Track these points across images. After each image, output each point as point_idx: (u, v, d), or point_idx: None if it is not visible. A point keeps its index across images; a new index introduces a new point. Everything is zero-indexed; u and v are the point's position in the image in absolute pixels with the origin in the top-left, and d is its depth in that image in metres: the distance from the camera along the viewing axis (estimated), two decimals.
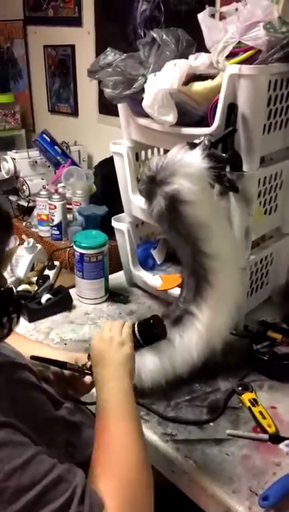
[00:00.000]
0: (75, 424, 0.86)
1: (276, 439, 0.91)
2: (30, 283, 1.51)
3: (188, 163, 0.94)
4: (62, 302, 1.37)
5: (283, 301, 1.40)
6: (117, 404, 0.73)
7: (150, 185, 0.97)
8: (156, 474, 0.94)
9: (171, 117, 1.08)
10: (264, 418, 0.95)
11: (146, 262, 1.51)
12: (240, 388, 1.04)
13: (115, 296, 1.45)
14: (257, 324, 1.27)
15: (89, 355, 0.84)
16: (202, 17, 1.15)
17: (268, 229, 1.32)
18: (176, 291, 1.23)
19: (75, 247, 1.38)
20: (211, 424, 0.96)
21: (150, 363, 1.01)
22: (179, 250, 1.07)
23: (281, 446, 0.90)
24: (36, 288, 1.45)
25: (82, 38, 2.06)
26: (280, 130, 1.16)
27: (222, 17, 1.19)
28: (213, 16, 1.19)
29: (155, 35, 1.15)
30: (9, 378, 0.70)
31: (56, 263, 1.63)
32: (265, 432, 0.93)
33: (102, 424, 0.71)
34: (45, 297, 1.35)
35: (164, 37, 1.14)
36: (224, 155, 0.97)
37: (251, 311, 1.33)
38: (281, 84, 1.08)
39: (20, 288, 1.44)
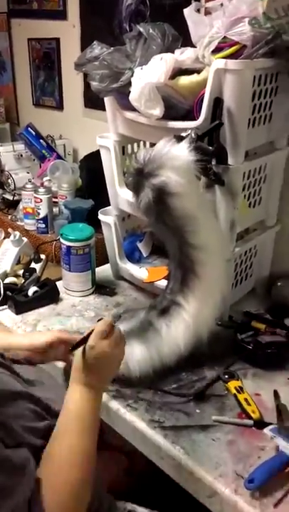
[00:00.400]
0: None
1: (260, 424, 0.94)
2: (16, 276, 1.52)
3: (175, 156, 0.95)
4: (49, 294, 1.38)
5: (266, 292, 1.43)
6: (75, 416, 0.76)
7: (137, 177, 0.98)
8: (145, 462, 0.97)
9: (157, 111, 1.10)
10: (249, 404, 0.98)
11: (132, 255, 1.52)
12: (226, 376, 1.06)
13: (102, 288, 1.46)
14: (241, 315, 1.30)
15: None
16: (188, 12, 1.16)
17: (252, 222, 1.34)
18: (163, 283, 1.25)
19: (61, 240, 1.38)
20: (198, 410, 0.98)
21: (138, 353, 1.02)
22: (166, 242, 1.09)
23: (265, 431, 0.92)
24: (23, 281, 1.46)
25: (67, 32, 2.05)
26: (263, 125, 1.18)
27: (207, 12, 1.21)
28: (198, 10, 1.21)
29: (141, 29, 1.16)
30: None
31: (42, 256, 1.64)
32: (249, 417, 0.95)
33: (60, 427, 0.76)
34: (32, 290, 1.36)
35: (151, 31, 1.15)
36: (210, 148, 0.99)
37: (236, 302, 1.36)
38: (265, 79, 1.10)
39: (6, 281, 1.45)
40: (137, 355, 1.02)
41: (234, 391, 1.01)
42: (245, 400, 0.99)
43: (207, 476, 0.84)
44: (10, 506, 0.64)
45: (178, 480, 0.90)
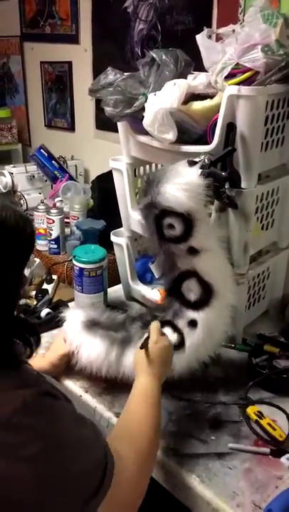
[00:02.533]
0: None
1: (277, 452, 0.92)
2: (28, 297, 1.52)
3: (180, 173, 0.97)
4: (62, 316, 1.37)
5: (280, 314, 1.42)
6: (139, 393, 0.89)
7: (145, 187, 0.99)
8: (160, 490, 0.95)
9: (171, 135, 1.11)
10: (274, 429, 0.96)
11: (144, 276, 1.52)
12: (241, 401, 1.05)
13: (114, 309, 1.45)
14: (255, 338, 1.29)
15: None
16: (200, 38, 1.18)
17: (265, 244, 1.34)
18: None
19: (74, 262, 1.39)
20: (213, 437, 0.97)
21: None
22: (161, 259, 1.09)
23: (283, 459, 0.91)
24: (35, 302, 1.46)
25: (79, 55, 2.09)
26: (276, 148, 1.19)
27: (219, 38, 1.23)
28: (210, 37, 1.23)
29: (154, 55, 1.18)
30: None
31: (54, 277, 1.64)
32: (277, 442, 0.94)
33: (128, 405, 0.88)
34: (44, 311, 1.36)
35: (164, 57, 1.17)
36: (223, 173, 0.99)
37: (249, 324, 1.35)
38: (278, 104, 1.11)
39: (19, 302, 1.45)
40: None
41: (255, 417, 0.99)
42: (269, 424, 0.97)
43: (224, 507, 0.82)
44: (93, 460, 0.70)
45: (194, 510, 0.88)
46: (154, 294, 1.41)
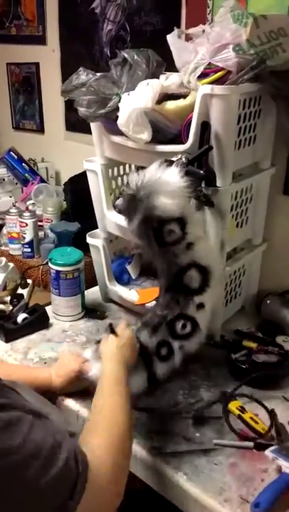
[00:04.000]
0: None
1: (261, 445, 0.94)
2: (3, 302, 1.49)
3: (167, 181, 0.96)
4: (39, 321, 1.36)
5: (256, 310, 1.44)
6: (109, 382, 0.89)
7: (130, 202, 0.99)
8: (145, 488, 0.95)
9: (146, 135, 1.11)
10: (256, 423, 0.97)
11: (121, 277, 1.52)
12: (223, 397, 1.05)
13: (92, 312, 1.45)
14: (233, 334, 1.31)
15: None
16: (171, 38, 1.19)
17: (240, 241, 1.36)
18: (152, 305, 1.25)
19: (50, 265, 1.37)
20: (197, 434, 0.97)
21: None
22: (158, 264, 1.09)
23: (267, 452, 0.92)
24: (11, 308, 1.43)
25: (47, 56, 2.07)
26: (249, 146, 1.21)
27: (188, 38, 1.24)
28: (180, 37, 1.24)
29: (126, 55, 1.18)
30: None
31: (29, 281, 1.62)
32: (260, 435, 0.95)
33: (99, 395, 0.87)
34: (21, 316, 1.34)
35: (135, 57, 1.17)
36: (201, 172, 1.00)
37: (226, 321, 1.37)
38: (250, 102, 1.13)
39: None
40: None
41: (237, 411, 1.00)
42: (251, 418, 0.98)
43: (213, 502, 0.83)
44: (60, 467, 0.65)
45: (182, 507, 0.88)
46: (131, 294, 1.41)
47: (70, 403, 1.07)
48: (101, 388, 0.88)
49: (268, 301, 1.39)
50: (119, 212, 1.10)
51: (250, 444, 0.94)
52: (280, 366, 1.14)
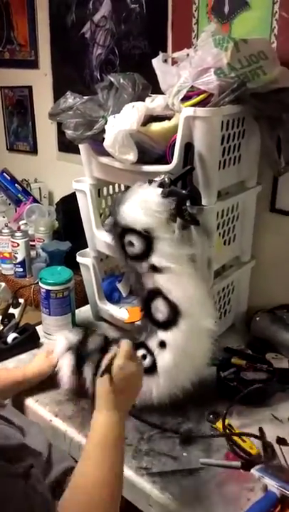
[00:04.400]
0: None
1: (248, 466, 0.93)
2: None
3: (138, 192, 0.99)
4: (29, 340, 1.36)
5: (246, 327, 1.45)
6: (98, 444, 0.78)
7: (112, 219, 1.01)
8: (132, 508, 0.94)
9: (131, 156, 1.13)
10: (244, 441, 0.97)
11: (111, 296, 1.52)
12: (211, 416, 1.06)
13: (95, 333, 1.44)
14: (222, 351, 1.31)
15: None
16: (156, 62, 1.22)
17: (228, 258, 1.37)
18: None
19: (40, 284, 1.38)
20: (184, 454, 0.97)
21: None
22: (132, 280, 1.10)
23: (253, 471, 0.92)
24: (1, 327, 1.44)
25: (40, 80, 2.11)
26: (233, 165, 1.23)
27: (174, 62, 1.28)
28: (166, 61, 1.27)
29: (112, 79, 1.21)
30: None
31: (21, 300, 1.62)
32: (248, 454, 0.95)
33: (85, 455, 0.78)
34: (11, 336, 1.34)
35: (122, 81, 1.20)
36: (184, 191, 1.02)
37: (216, 338, 1.36)
38: (232, 124, 1.15)
39: None
40: None
41: (226, 431, 1.00)
42: (239, 437, 0.98)
43: None
44: None
45: None
46: (122, 312, 1.42)
47: (58, 422, 1.07)
48: (88, 441, 0.80)
49: (258, 318, 1.40)
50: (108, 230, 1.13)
51: (238, 463, 0.94)
52: (269, 383, 1.14)
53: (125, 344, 0.87)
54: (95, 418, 0.81)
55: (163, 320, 1.02)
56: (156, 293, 1.02)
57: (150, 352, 1.04)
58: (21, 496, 0.64)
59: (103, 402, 0.81)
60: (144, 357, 1.04)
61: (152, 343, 1.04)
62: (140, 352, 1.04)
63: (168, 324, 1.01)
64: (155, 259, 0.99)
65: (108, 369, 0.83)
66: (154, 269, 1.00)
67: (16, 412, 1.04)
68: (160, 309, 1.02)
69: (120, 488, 0.77)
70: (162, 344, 1.02)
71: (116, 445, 0.78)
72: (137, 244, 0.99)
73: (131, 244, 1.00)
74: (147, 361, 1.03)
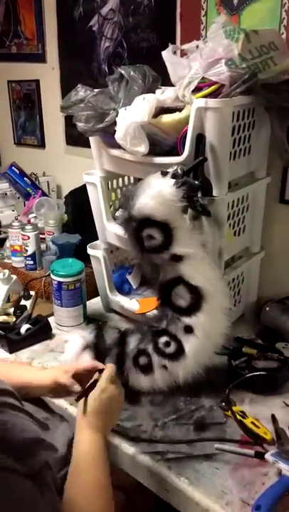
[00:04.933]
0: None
1: (261, 454, 0.94)
2: (7, 314, 1.51)
3: (153, 185, 1.00)
4: (42, 331, 1.38)
5: (255, 317, 1.46)
6: (85, 455, 0.81)
7: (124, 212, 1.02)
8: (143, 498, 0.96)
9: (143, 148, 1.14)
10: (258, 427, 0.99)
11: (122, 287, 1.54)
12: (223, 404, 1.07)
13: (93, 322, 1.47)
14: (233, 341, 1.32)
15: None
16: (166, 54, 1.23)
17: (238, 249, 1.38)
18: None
19: (52, 276, 1.40)
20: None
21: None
22: (148, 271, 1.11)
23: (267, 456, 0.93)
24: (14, 319, 1.46)
25: (47, 73, 2.12)
26: (244, 157, 1.24)
27: (183, 54, 1.28)
28: (174, 52, 1.28)
29: (123, 71, 1.22)
30: None
31: (32, 293, 1.64)
32: (262, 440, 0.97)
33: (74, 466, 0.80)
34: (24, 327, 1.36)
35: (132, 73, 1.21)
36: (196, 182, 1.03)
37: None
38: (243, 114, 1.16)
39: None
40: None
41: (239, 417, 1.01)
42: (253, 423, 1.00)
43: (214, 506, 0.84)
44: None
45: (184, 511, 0.90)
46: (132, 304, 1.43)
47: (73, 410, 1.09)
48: (71, 463, 0.81)
49: (267, 308, 1.41)
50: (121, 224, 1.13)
51: (251, 452, 0.95)
52: (280, 371, 1.16)
53: (109, 368, 0.92)
54: (79, 437, 0.84)
55: (186, 306, 1.04)
56: (177, 281, 1.03)
57: (174, 338, 1.06)
58: (28, 495, 0.65)
59: (85, 423, 0.84)
60: (167, 344, 1.06)
61: (175, 330, 1.06)
62: (163, 339, 1.06)
63: (192, 309, 1.03)
64: (177, 249, 1.01)
65: (85, 393, 0.87)
66: (175, 258, 1.02)
67: (50, 408, 1.04)
68: (182, 296, 1.03)
69: (108, 500, 0.78)
70: (188, 329, 1.04)
71: (99, 462, 0.80)
72: (157, 237, 1.00)
73: (151, 237, 1.01)
74: (172, 348, 1.06)
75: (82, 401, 0.87)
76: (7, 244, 1.87)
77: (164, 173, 1.04)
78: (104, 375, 0.90)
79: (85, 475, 0.78)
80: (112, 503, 0.78)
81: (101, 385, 0.88)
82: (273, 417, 1.05)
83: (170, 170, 1.04)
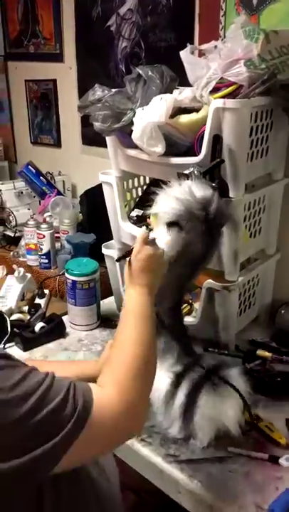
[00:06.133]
0: None
1: (275, 459, 0.93)
2: (21, 312, 1.52)
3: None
4: (55, 330, 1.39)
5: (270, 320, 1.45)
6: (133, 309, 0.85)
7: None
8: (154, 499, 0.96)
9: (159, 148, 1.14)
10: (272, 431, 0.98)
11: None
12: None
13: (107, 321, 1.47)
14: (247, 344, 1.31)
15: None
16: (184, 54, 1.22)
17: (254, 251, 1.37)
18: None
19: (67, 275, 1.40)
20: (212, 443, 0.98)
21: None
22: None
23: (281, 460, 0.93)
24: (29, 317, 1.46)
25: (64, 73, 2.13)
26: (261, 158, 1.23)
27: (201, 54, 1.28)
28: (192, 53, 1.27)
29: (141, 71, 1.22)
30: None
31: (46, 291, 1.65)
32: (276, 444, 0.97)
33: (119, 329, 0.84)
34: (38, 325, 1.37)
35: (150, 73, 1.20)
36: (214, 184, 1.02)
37: (241, 331, 1.37)
38: (261, 115, 1.15)
39: (12, 317, 1.45)
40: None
41: (254, 421, 1.01)
42: (267, 427, 0.99)
43: (227, 509, 0.84)
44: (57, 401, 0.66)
45: None
46: None
47: None
48: (120, 319, 0.85)
49: (283, 311, 1.40)
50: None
51: (265, 456, 0.95)
52: None
53: (141, 232, 0.94)
54: (126, 295, 0.89)
55: None
56: None
57: None
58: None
59: (129, 281, 0.90)
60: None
61: None
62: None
63: None
64: None
65: (120, 257, 0.96)
66: None
67: None
68: None
69: (153, 353, 0.81)
70: None
71: (143, 317, 0.83)
72: None
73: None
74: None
75: (127, 267, 0.91)
76: (22, 242, 1.88)
77: (182, 175, 1.04)
78: (137, 239, 0.92)
79: (128, 330, 0.81)
80: (153, 353, 0.80)
81: (136, 247, 0.91)
82: (288, 421, 1.04)
83: (187, 172, 1.03)
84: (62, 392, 0.67)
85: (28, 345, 1.33)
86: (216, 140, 1.08)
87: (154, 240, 0.93)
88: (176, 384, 1.00)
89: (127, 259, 0.91)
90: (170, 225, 0.98)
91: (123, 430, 0.73)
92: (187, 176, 1.03)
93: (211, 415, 0.96)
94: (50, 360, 1.28)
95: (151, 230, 0.94)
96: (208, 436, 0.97)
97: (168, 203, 0.98)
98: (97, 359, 1.11)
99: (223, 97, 1.08)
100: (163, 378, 1.00)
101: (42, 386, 0.66)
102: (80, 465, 0.76)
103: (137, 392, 0.74)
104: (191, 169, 1.04)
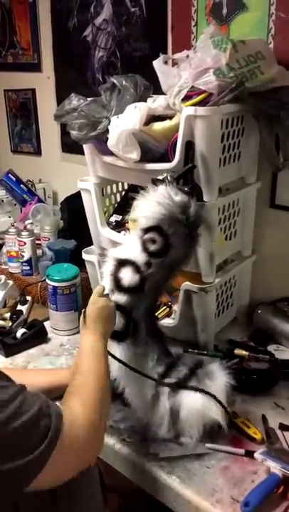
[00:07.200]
0: None
1: (251, 454, 0.96)
2: (3, 319, 1.53)
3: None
4: (37, 335, 1.40)
5: (248, 320, 1.48)
6: (88, 352, 0.94)
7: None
8: (139, 500, 0.98)
9: (135, 155, 1.17)
10: (248, 427, 1.01)
11: None
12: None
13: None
14: (226, 343, 1.35)
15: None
16: (157, 64, 1.26)
17: (230, 253, 1.41)
18: None
19: (47, 281, 1.42)
20: (190, 440, 1.01)
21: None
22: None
23: (256, 455, 0.95)
24: (10, 323, 1.48)
25: (43, 82, 2.15)
26: (234, 163, 1.27)
27: (174, 63, 1.32)
28: (166, 62, 1.31)
29: (115, 81, 1.25)
30: None
31: (28, 298, 1.66)
32: (252, 439, 1.00)
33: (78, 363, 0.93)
34: (20, 331, 1.38)
35: (124, 82, 1.24)
36: (186, 189, 1.05)
37: (220, 331, 1.41)
38: (232, 122, 1.19)
39: None
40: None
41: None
42: (243, 423, 1.02)
43: (205, 504, 0.86)
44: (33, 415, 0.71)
45: (176, 510, 0.91)
46: None
47: None
48: (75, 358, 0.94)
49: (259, 311, 1.43)
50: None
51: (241, 451, 0.98)
52: (270, 373, 1.18)
53: (97, 287, 1.05)
54: (81, 338, 0.97)
55: None
56: None
57: None
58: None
59: (81, 328, 0.99)
60: None
61: None
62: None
63: None
64: None
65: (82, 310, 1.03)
66: None
67: None
68: None
69: (104, 391, 0.88)
70: None
71: (98, 356, 0.93)
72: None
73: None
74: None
75: (82, 318, 0.99)
76: (4, 250, 1.89)
77: (156, 181, 1.07)
78: (94, 291, 1.03)
79: (84, 369, 0.90)
80: (107, 386, 0.89)
81: (91, 298, 1.01)
82: (264, 417, 1.07)
83: (160, 177, 1.07)
84: (37, 405, 0.72)
85: (9, 351, 1.34)
86: (189, 146, 1.12)
87: (107, 294, 1.03)
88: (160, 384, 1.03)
89: (82, 310, 1.00)
90: (150, 229, 1.01)
91: (91, 448, 0.81)
92: (161, 182, 1.06)
93: (198, 411, 0.98)
94: (30, 366, 1.29)
95: (104, 289, 1.04)
96: (198, 432, 1.00)
97: (149, 207, 1.02)
98: (68, 367, 1.15)
99: (194, 104, 1.12)
100: (145, 381, 1.03)
101: (15, 401, 0.71)
102: (49, 487, 0.78)
103: (100, 414, 0.83)
104: (165, 175, 1.07)
